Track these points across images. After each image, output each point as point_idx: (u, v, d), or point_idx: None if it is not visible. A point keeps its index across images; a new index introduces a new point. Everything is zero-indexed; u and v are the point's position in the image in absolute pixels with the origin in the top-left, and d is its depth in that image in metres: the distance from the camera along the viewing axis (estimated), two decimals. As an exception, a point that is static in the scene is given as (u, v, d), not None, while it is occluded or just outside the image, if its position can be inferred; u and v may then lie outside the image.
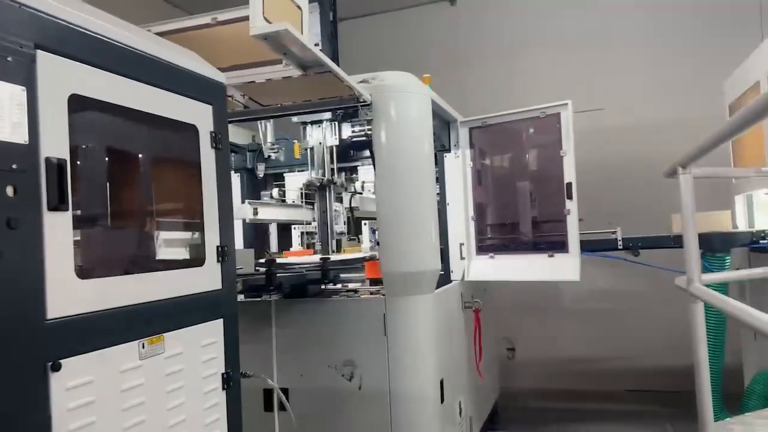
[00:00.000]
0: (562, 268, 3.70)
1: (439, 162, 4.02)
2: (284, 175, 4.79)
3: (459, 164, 4.17)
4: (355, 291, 3.64)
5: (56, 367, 1.57)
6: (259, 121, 4.35)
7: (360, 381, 3.29)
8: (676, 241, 3.91)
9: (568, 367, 6.08)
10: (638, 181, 5.77)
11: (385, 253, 3.25)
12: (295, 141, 4.55)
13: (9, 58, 1.48)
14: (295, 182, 4.66)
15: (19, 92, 1.51)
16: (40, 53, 1.57)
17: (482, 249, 4.13)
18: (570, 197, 3.66)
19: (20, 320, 1.48)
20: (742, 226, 4.31)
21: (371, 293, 3.52)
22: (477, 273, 4.08)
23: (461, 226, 4.12)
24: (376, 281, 3.61)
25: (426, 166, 3.39)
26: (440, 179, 4.09)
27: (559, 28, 6.18)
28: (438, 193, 3.88)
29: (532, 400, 5.92)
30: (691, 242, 2.25)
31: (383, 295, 3.31)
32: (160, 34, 2.63)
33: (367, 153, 4.38)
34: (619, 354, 5.94)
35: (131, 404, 1.79)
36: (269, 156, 4.57)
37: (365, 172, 4.50)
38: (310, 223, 4.40)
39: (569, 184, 3.67)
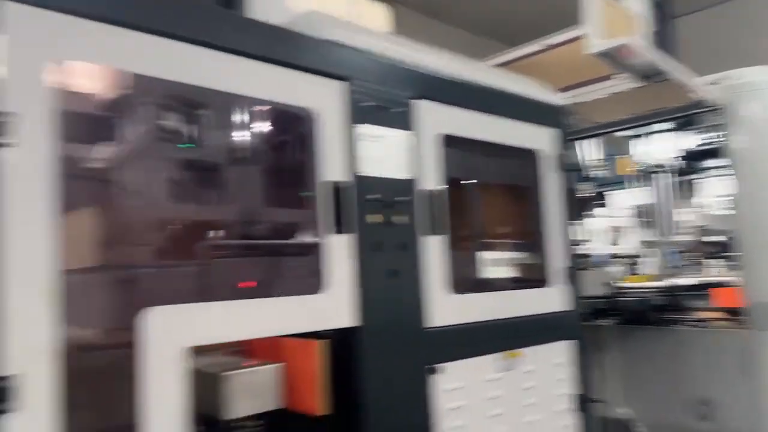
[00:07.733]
0: None
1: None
2: (607, 193, 4.55)
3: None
4: (703, 320, 3.21)
5: (434, 371, 1.79)
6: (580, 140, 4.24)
7: (716, 423, 2.87)
8: None
9: None
10: None
11: (750, 279, 2.80)
12: (617, 156, 4.29)
13: (399, 109, 1.78)
14: (619, 201, 4.39)
15: (407, 136, 1.80)
16: (417, 102, 1.85)
17: None
18: None
19: (407, 328, 1.75)
20: None
21: (725, 325, 3.05)
22: None
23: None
24: (730, 311, 3.12)
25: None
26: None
27: None
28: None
29: None
30: None
31: (743, 327, 2.84)
32: (497, 66, 2.82)
33: (706, 163, 3.86)
34: None
35: (493, 413, 1.92)
36: (592, 174, 4.41)
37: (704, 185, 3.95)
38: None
39: None
